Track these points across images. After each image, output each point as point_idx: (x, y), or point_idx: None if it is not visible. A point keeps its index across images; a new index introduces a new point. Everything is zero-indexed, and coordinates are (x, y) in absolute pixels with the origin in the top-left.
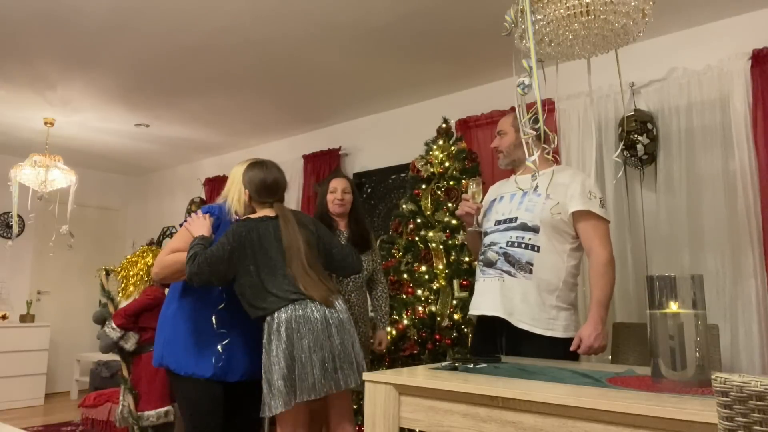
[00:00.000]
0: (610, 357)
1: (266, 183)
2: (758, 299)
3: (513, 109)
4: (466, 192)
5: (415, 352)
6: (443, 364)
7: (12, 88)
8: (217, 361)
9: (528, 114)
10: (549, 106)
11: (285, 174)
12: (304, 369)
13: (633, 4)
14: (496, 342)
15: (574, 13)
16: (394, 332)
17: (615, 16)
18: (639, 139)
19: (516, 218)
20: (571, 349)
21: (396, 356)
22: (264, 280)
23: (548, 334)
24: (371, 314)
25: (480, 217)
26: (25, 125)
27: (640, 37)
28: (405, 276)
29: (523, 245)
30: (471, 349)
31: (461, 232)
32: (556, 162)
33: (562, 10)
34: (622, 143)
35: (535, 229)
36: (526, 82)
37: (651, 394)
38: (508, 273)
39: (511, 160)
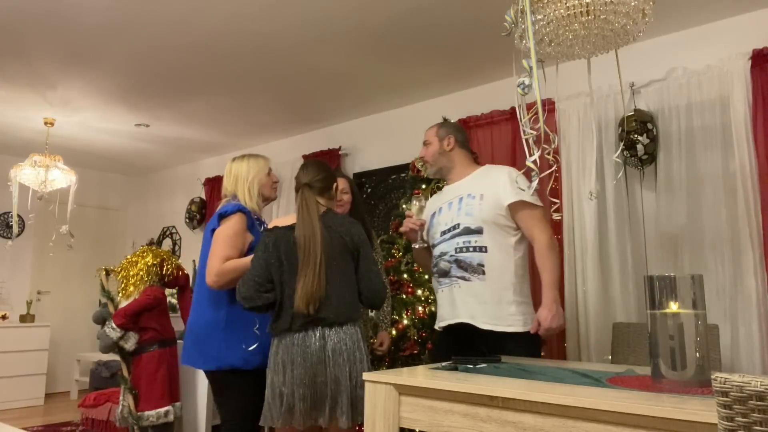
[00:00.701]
0: (610, 357)
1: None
2: (758, 299)
3: (442, 121)
4: (410, 209)
5: (415, 352)
6: (443, 364)
7: (12, 88)
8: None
9: (528, 114)
10: (549, 106)
11: (285, 174)
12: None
13: (633, 4)
14: (461, 350)
15: (574, 13)
16: (394, 332)
17: (615, 16)
18: (639, 139)
19: (459, 224)
20: (531, 331)
21: (396, 356)
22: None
23: (511, 329)
24: (371, 315)
25: (424, 233)
26: (25, 125)
27: (640, 37)
28: (405, 276)
29: (471, 248)
30: (432, 361)
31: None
32: (557, 162)
33: (562, 10)
34: (622, 143)
35: (478, 231)
36: (526, 82)
37: (651, 394)
38: (463, 278)
39: (438, 169)
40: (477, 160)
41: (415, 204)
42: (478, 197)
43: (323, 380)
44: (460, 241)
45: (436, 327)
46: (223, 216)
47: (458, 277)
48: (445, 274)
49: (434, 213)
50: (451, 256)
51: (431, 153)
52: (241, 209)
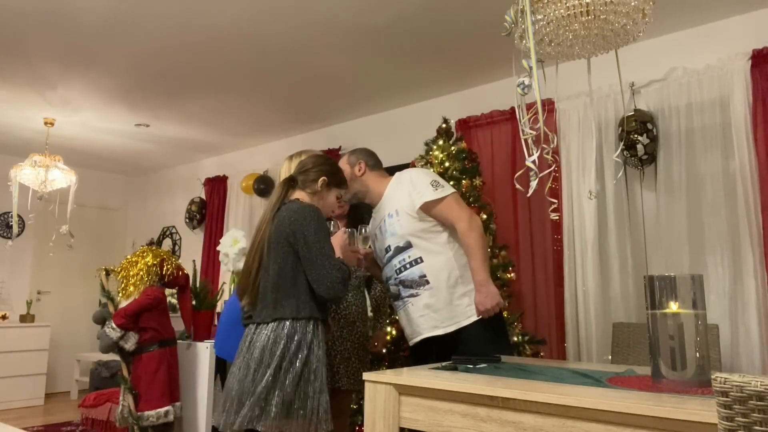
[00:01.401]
0: (610, 357)
1: None
2: (758, 299)
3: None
4: (354, 243)
5: None
6: (443, 364)
7: (12, 88)
8: None
9: (528, 114)
10: (549, 106)
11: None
12: None
13: (633, 4)
14: (431, 360)
15: (574, 13)
16: (394, 332)
17: (615, 16)
18: (639, 139)
19: (389, 246)
20: (477, 317)
21: (396, 356)
22: None
23: (472, 320)
24: (370, 314)
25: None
26: (25, 125)
27: (640, 37)
28: None
29: (408, 265)
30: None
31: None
32: (556, 162)
33: (562, 10)
34: (622, 143)
35: (407, 246)
36: (526, 82)
37: (651, 394)
38: (411, 295)
39: (353, 194)
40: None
41: (359, 237)
42: (395, 214)
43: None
44: (396, 262)
45: (410, 344)
46: None
47: (407, 297)
48: (396, 297)
49: (373, 240)
50: (395, 278)
51: (348, 182)
52: None
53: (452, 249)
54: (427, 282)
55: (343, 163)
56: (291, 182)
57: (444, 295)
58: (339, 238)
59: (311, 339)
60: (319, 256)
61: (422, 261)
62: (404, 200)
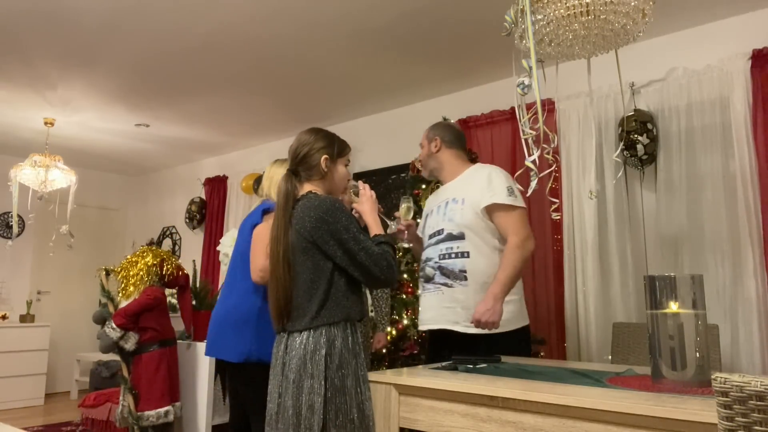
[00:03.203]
0: (610, 357)
1: None
2: (758, 299)
3: (436, 122)
4: (398, 210)
5: (415, 352)
6: (443, 364)
7: (12, 88)
8: None
9: (528, 114)
10: (549, 106)
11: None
12: None
13: (633, 4)
14: (445, 353)
15: (574, 13)
16: (394, 332)
17: (615, 16)
18: (639, 139)
19: (443, 230)
20: (471, 322)
21: (396, 356)
22: None
23: (495, 331)
24: (371, 314)
25: (419, 230)
26: (25, 125)
27: (640, 37)
28: (405, 276)
29: (453, 255)
30: (429, 361)
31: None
32: (556, 162)
33: (562, 10)
34: (622, 143)
35: (460, 237)
36: (526, 82)
37: (651, 394)
38: (445, 284)
39: (429, 171)
40: (475, 159)
41: (403, 206)
42: (460, 202)
43: None
44: (443, 247)
45: (420, 328)
46: (267, 211)
47: (441, 284)
48: (429, 279)
49: (428, 214)
50: (435, 262)
51: (422, 156)
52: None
53: (500, 257)
54: (465, 279)
55: (423, 138)
56: (294, 176)
57: (476, 296)
58: (369, 202)
59: (352, 343)
60: (359, 252)
61: (468, 256)
62: (475, 193)
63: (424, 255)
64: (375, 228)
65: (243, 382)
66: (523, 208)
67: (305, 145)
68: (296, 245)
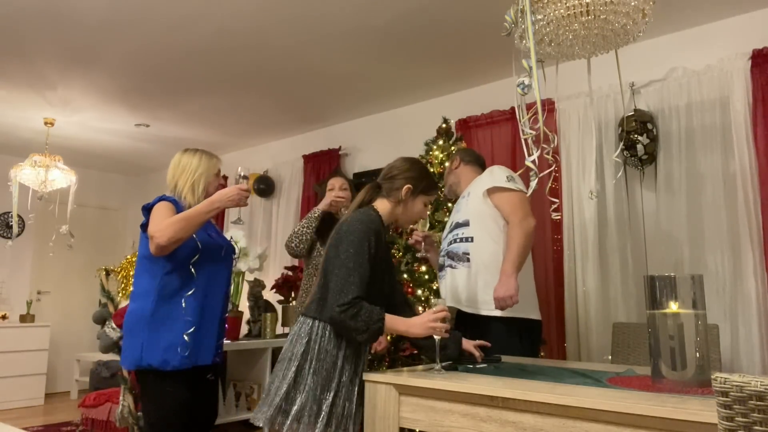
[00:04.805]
0: (610, 357)
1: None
2: (758, 299)
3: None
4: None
5: (415, 352)
6: (444, 364)
7: (12, 88)
8: (183, 350)
9: (528, 114)
10: (549, 106)
11: (284, 174)
12: None
13: (633, 4)
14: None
15: (574, 13)
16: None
17: (615, 16)
18: (639, 139)
19: (453, 222)
20: (495, 308)
21: (396, 356)
22: None
23: (494, 314)
24: None
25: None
26: (25, 125)
27: (640, 37)
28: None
29: (459, 240)
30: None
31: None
32: (556, 162)
33: (562, 10)
34: (622, 143)
35: (466, 223)
36: (526, 82)
37: (651, 394)
38: (451, 266)
39: (449, 186)
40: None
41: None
42: (467, 195)
43: None
44: (451, 235)
45: None
46: (147, 208)
47: (448, 266)
48: (441, 267)
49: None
50: (445, 250)
51: (445, 175)
52: (163, 198)
53: (504, 241)
54: (468, 260)
55: (448, 162)
56: (376, 188)
57: (479, 277)
58: (420, 328)
59: (329, 341)
60: (336, 269)
61: (472, 241)
62: (479, 185)
63: (441, 250)
64: (401, 327)
65: (140, 390)
66: (523, 191)
67: (396, 169)
68: (332, 242)
